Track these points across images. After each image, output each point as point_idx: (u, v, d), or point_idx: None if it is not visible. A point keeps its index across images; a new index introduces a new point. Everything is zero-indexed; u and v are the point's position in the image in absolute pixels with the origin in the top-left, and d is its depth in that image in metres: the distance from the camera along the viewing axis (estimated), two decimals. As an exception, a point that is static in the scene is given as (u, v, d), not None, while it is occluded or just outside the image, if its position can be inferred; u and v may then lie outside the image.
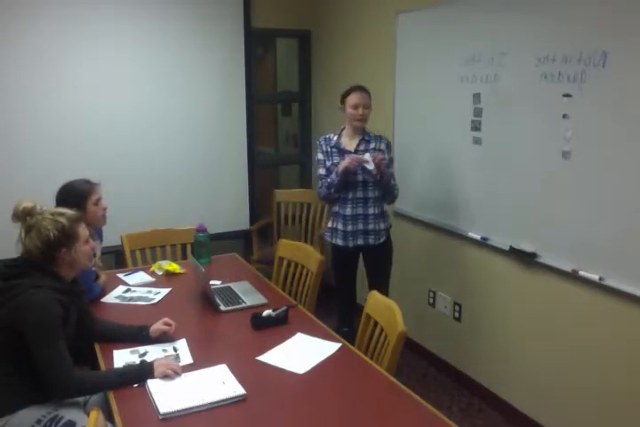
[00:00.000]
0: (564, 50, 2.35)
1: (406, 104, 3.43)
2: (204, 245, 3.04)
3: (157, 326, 2.16)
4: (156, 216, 3.72)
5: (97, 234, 2.66)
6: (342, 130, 3.00)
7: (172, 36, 3.83)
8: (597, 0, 2.21)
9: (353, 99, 2.89)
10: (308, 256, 2.81)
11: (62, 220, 1.95)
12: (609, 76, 2.20)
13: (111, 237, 3.06)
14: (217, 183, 4.15)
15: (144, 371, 1.89)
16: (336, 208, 3.00)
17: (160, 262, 2.97)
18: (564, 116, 2.39)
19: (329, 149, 2.97)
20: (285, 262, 2.98)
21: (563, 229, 2.47)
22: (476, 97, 2.85)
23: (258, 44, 4.49)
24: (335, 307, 3.21)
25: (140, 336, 2.15)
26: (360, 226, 2.95)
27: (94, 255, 2.56)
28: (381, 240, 2.99)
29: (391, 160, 2.99)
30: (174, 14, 3.81)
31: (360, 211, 2.93)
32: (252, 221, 4.31)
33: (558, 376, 2.61)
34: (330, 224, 3.06)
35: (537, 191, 2.57)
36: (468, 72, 2.88)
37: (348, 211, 2.93)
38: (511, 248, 2.75)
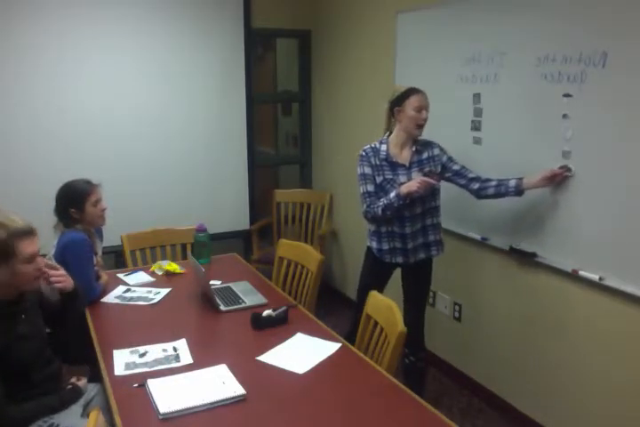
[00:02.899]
0: (564, 50, 2.35)
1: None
2: (204, 245, 3.04)
3: None
4: (156, 216, 3.73)
5: (97, 233, 2.66)
6: (387, 137, 2.66)
7: (172, 36, 3.84)
8: (597, 0, 2.21)
9: (416, 100, 2.53)
10: (308, 256, 2.81)
11: (1, 232, 1.70)
12: (609, 76, 2.20)
13: (111, 237, 3.06)
14: (217, 183, 4.15)
15: (72, 393, 1.91)
16: (390, 228, 2.65)
17: (160, 262, 2.97)
18: (564, 116, 2.39)
19: (378, 162, 2.59)
20: (285, 262, 2.98)
21: (563, 229, 2.47)
22: (476, 97, 2.85)
23: (258, 44, 4.49)
24: (352, 315, 2.90)
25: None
26: (420, 240, 2.69)
27: (96, 253, 2.57)
28: (437, 253, 2.76)
29: (450, 158, 2.66)
30: (174, 14, 3.81)
31: (419, 225, 2.66)
32: (252, 221, 4.31)
33: (558, 376, 2.61)
34: (386, 246, 2.68)
35: (537, 191, 2.57)
36: (468, 72, 2.89)
37: (408, 229, 2.63)
38: (511, 248, 2.75)
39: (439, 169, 2.65)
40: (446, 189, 3.15)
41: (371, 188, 2.60)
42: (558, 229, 2.50)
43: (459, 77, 2.95)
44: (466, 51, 2.88)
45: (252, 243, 4.23)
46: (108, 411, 1.79)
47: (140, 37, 3.75)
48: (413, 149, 2.62)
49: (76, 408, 1.96)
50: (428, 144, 2.68)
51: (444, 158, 2.67)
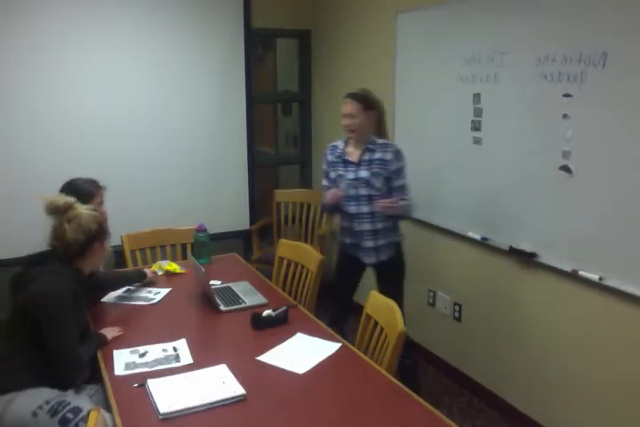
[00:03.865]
0: (564, 50, 2.35)
1: (406, 104, 3.43)
2: (204, 245, 3.04)
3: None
4: (156, 216, 3.73)
5: None
6: (350, 137, 2.80)
7: (172, 36, 3.83)
8: (597, 0, 2.21)
9: (342, 108, 2.73)
10: (308, 256, 2.81)
11: (98, 215, 2.11)
12: (609, 76, 2.20)
13: (111, 236, 3.05)
14: (217, 183, 4.15)
15: (102, 339, 2.13)
16: (346, 224, 2.84)
17: (160, 262, 2.97)
18: (564, 116, 2.39)
19: (334, 160, 2.81)
20: (285, 262, 2.98)
21: (563, 229, 2.47)
22: (476, 97, 2.85)
23: (258, 44, 4.49)
24: (328, 306, 3.05)
25: (137, 276, 2.68)
26: (370, 243, 2.79)
27: None
28: (390, 255, 2.83)
29: (399, 170, 2.72)
30: (174, 14, 3.81)
31: (366, 226, 2.76)
32: (252, 221, 4.31)
33: (558, 376, 2.61)
34: (341, 237, 2.91)
35: (537, 191, 2.57)
36: (468, 72, 2.88)
37: (355, 226, 2.78)
38: (511, 248, 2.75)
39: (384, 174, 2.71)
40: (446, 189, 3.16)
41: (325, 182, 2.86)
42: (558, 229, 2.50)
43: (459, 77, 2.95)
44: (466, 51, 2.88)
45: (252, 243, 4.23)
46: (108, 411, 1.79)
47: (140, 37, 3.75)
48: (364, 148, 2.72)
49: (84, 394, 2.03)
50: (385, 146, 2.72)
51: (393, 167, 2.71)
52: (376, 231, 2.77)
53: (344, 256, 2.96)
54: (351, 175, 2.74)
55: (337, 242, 3.02)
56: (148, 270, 2.81)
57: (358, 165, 2.73)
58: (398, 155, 2.73)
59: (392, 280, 2.90)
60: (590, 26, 2.24)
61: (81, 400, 1.93)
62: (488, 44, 2.74)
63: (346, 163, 2.77)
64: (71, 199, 2.07)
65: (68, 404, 1.86)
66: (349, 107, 2.69)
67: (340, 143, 2.84)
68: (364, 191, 2.71)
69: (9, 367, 1.93)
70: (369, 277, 3.17)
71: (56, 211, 2.04)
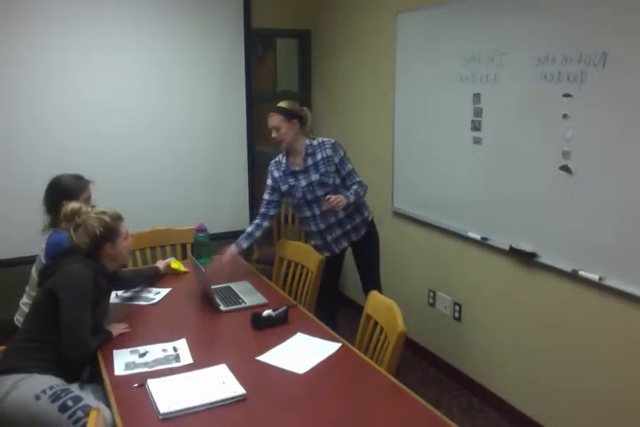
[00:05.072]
0: (564, 50, 2.35)
1: (406, 104, 3.43)
2: (204, 245, 3.04)
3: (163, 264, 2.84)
4: (156, 216, 3.72)
5: None
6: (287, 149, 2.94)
7: (173, 36, 3.84)
8: (597, 0, 2.21)
9: (268, 123, 2.90)
10: (308, 256, 2.81)
11: (106, 218, 2.20)
12: (609, 76, 2.20)
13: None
14: (217, 183, 4.15)
15: (109, 335, 2.18)
16: (306, 227, 3.01)
17: (169, 259, 2.97)
18: (564, 116, 2.39)
19: (281, 174, 2.94)
20: (285, 262, 2.98)
21: (563, 229, 2.47)
22: (476, 97, 2.85)
23: (258, 44, 4.48)
24: (318, 306, 3.05)
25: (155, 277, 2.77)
26: (338, 232, 2.97)
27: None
28: (362, 233, 3.01)
29: (343, 160, 2.89)
30: (174, 14, 3.81)
31: (332, 220, 2.93)
32: (251, 221, 4.29)
33: (558, 376, 2.61)
34: (312, 242, 3.04)
35: (537, 191, 2.57)
36: (468, 72, 2.88)
37: (322, 226, 2.95)
38: (511, 248, 2.75)
39: (334, 169, 2.87)
40: (446, 189, 3.16)
41: (268, 196, 2.97)
42: (558, 229, 2.50)
43: (459, 77, 2.95)
44: (466, 51, 2.88)
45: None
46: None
47: (140, 37, 3.75)
48: (303, 154, 2.87)
49: (87, 390, 2.04)
50: (322, 145, 2.88)
51: (336, 160, 2.88)
52: (341, 221, 2.95)
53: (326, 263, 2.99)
54: (303, 182, 2.88)
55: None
56: (161, 264, 2.89)
57: (306, 171, 2.88)
58: (335, 147, 2.89)
59: (367, 253, 3.09)
60: (590, 26, 2.24)
61: (83, 393, 1.96)
62: (488, 44, 2.74)
63: (294, 173, 2.91)
64: (77, 206, 2.19)
65: (71, 392, 1.90)
66: (272, 120, 2.89)
67: (281, 158, 2.97)
68: (320, 192, 2.87)
69: (25, 350, 2.00)
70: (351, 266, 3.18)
71: (65, 218, 2.18)
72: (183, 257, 3.27)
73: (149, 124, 3.86)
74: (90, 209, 2.23)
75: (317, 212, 2.91)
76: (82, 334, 2.01)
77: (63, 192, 2.45)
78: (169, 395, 1.77)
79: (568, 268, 2.46)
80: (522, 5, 2.54)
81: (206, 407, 1.72)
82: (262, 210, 2.97)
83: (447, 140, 3.11)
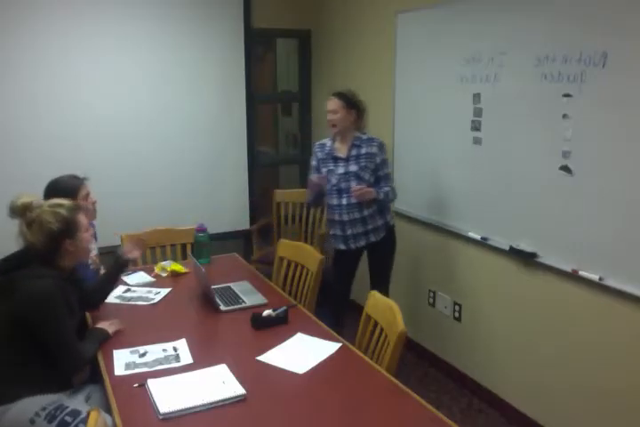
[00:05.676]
0: (564, 50, 2.35)
1: (406, 104, 3.43)
2: (204, 245, 3.04)
3: (127, 248, 2.42)
4: (156, 216, 3.72)
5: None
6: (335, 135, 3.02)
7: (173, 36, 3.84)
8: (597, 0, 2.21)
9: (326, 105, 2.97)
10: (308, 256, 2.81)
11: (62, 211, 1.97)
12: (609, 76, 2.20)
13: (111, 236, 3.05)
14: (217, 183, 4.15)
15: (104, 333, 2.13)
16: (330, 215, 3.07)
17: (163, 263, 2.95)
18: (564, 116, 2.39)
19: (323, 156, 3.03)
20: (285, 262, 2.98)
21: (563, 229, 2.47)
22: (476, 97, 2.85)
23: (258, 44, 4.49)
24: (328, 304, 3.18)
25: (118, 266, 2.38)
26: (360, 229, 2.99)
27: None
28: (382, 236, 3.04)
29: (384, 162, 2.99)
30: (174, 14, 3.81)
31: (357, 215, 2.97)
32: (252, 221, 4.31)
33: (558, 376, 2.61)
34: (331, 231, 3.11)
35: (537, 191, 2.57)
36: (468, 72, 2.88)
37: (345, 217, 2.98)
38: (511, 248, 2.75)
39: (373, 166, 2.96)
40: (446, 189, 3.16)
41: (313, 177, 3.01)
42: (558, 229, 2.50)
43: (459, 77, 2.95)
44: (466, 51, 2.88)
45: (252, 243, 4.23)
46: (108, 411, 1.79)
47: (141, 37, 3.75)
48: (350, 144, 2.96)
49: (81, 397, 2.01)
50: (370, 141, 2.98)
51: (378, 160, 2.98)
52: (364, 218, 2.98)
53: (337, 250, 3.15)
54: (341, 170, 2.96)
55: (328, 238, 3.23)
56: (128, 251, 2.45)
57: (347, 160, 2.96)
58: (382, 148, 2.99)
59: (382, 257, 3.14)
60: (590, 26, 2.24)
61: (78, 403, 1.92)
62: (488, 44, 2.74)
63: (335, 159, 2.99)
64: (29, 200, 1.95)
65: (66, 408, 1.85)
66: (332, 103, 2.95)
67: (327, 141, 3.07)
68: (353, 184, 2.93)
69: (2, 379, 1.89)
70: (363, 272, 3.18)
71: (15, 213, 1.95)
72: (183, 257, 3.27)
73: (149, 125, 3.86)
74: (43, 202, 2.00)
75: (345, 202, 2.96)
76: (72, 349, 1.93)
77: (61, 194, 2.45)
78: (169, 395, 1.77)
79: (568, 268, 2.46)
80: (522, 5, 2.54)
81: (206, 407, 1.72)
82: None
83: (447, 141, 3.11)
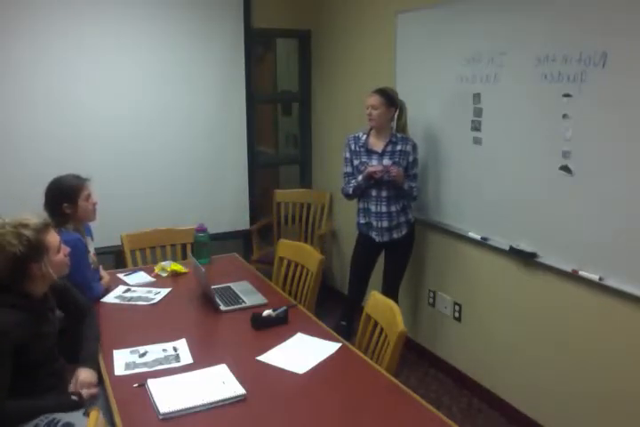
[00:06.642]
0: (564, 50, 2.35)
1: (406, 104, 3.42)
2: (204, 245, 3.03)
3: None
4: (156, 216, 3.72)
5: (86, 231, 2.63)
6: (370, 129, 3.11)
7: (173, 36, 3.83)
8: (597, 0, 2.21)
9: (367, 101, 3.05)
10: (308, 256, 2.81)
11: (26, 232, 1.77)
12: (609, 76, 2.20)
13: (111, 236, 3.05)
14: (217, 183, 4.15)
15: (73, 404, 1.84)
16: (364, 204, 3.15)
17: (163, 264, 2.95)
18: (564, 116, 2.39)
19: (357, 149, 3.12)
20: (285, 262, 2.98)
21: (563, 229, 2.47)
22: (476, 97, 2.85)
23: (258, 44, 4.49)
24: (342, 302, 3.31)
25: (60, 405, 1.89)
26: (385, 223, 3.10)
27: (88, 252, 2.55)
28: (404, 233, 3.15)
29: (415, 161, 3.10)
30: (174, 15, 3.81)
31: (384, 208, 3.07)
32: (252, 221, 4.31)
33: (558, 376, 2.61)
34: (362, 220, 3.18)
35: (537, 191, 2.57)
36: (468, 72, 2.88)
37: (373, 208, 3.09)
38: (511, 248, 2.75)
39: (405, 164, 3.07)
40: (446, 189, 3.16)
41: (349, 169, 3.16)
42: (558, 229, 2.50)
43: (459, 77, 2.95)
44: (466, 51, 2.88)
45: (252, 243, 4.23)
46: (108, 411, 1.78)
47: (141, 38, 3.74)
48: (388, 140, 3.06)
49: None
50: (406, 139, 3.09)
51: (410, 158, 3.09)
52: (391, 213, 3.09)
53: (360, 237, 3.27)
54: (375, 163, 3.06)
55: (354, 225, 3.29)
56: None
57: (382, 154, 3.07)
58: (415, 148, 3.11)
59: (400, 256, 3.25)
60: (590, 26, 2.24)
61: (72, 415, 1.85)
62: (488, 44, 2.74)
63: (369, 152, 3.10)
64: None
65: (59, 421, 1.78)
66: (373, 99, 3.02)
67: (361, 135, 3.15)
68: (385, 177, 2.99)
69: None
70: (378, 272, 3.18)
71: None
72: (183, 257, 3.27)
73: (149, 125, 3.85)
74: (6, 222, 1.79)
75: (374, 193, 3.07)
76: None
77: (63, 193, 2.45)
78: (169, 395, 1.77)
79: (568, 268, 2.46)
80: (522, 5, 2.54)
81: (206, 407, 1.72)
82: (347, 183, 3.15)
83: (447, 141, 3.11)
